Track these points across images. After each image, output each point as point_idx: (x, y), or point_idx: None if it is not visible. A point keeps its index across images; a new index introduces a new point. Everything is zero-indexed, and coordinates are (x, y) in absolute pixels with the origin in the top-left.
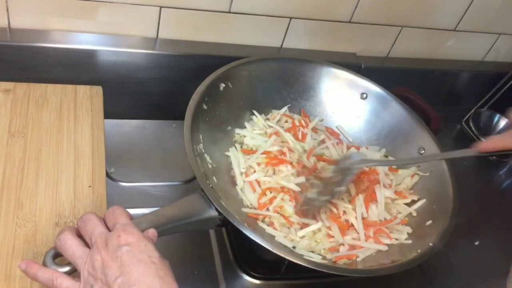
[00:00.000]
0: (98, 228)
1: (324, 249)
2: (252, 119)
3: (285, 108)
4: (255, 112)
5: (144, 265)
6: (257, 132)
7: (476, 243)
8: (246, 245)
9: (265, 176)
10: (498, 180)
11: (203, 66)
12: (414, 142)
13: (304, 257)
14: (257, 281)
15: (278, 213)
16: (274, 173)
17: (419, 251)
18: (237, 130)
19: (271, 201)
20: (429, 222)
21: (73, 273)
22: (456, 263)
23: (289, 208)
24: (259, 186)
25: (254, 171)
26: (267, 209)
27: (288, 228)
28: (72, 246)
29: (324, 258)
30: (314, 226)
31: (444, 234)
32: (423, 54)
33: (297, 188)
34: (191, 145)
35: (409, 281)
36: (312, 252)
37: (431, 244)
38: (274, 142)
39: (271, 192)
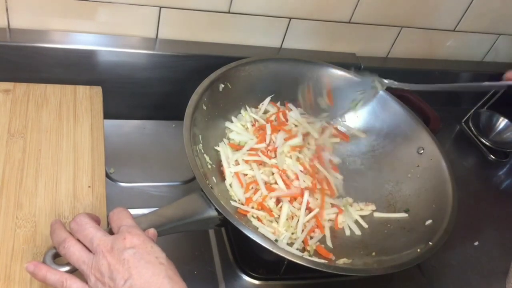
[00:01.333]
0: (97, 232)
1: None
2: (240, 113)
3: (268, 98)
4: (246, 106)
5: (153, 266)
6: (242, 123)
7: (476, 243)
8: (245, 245)
9: (250, 170)
10: (498, 180)
11: (203, 66)
12: (414, 142)
13: (304, 256)
14: (256, 281)
15: (261, 207)
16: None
17: (418, 250)
18: (226, 123)
19: (255, 193)
20: (429, 221)
21: (74, 272)
22: (456, 263)
23: (270, 202)
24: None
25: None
26: (252, 206)
27: (271, 222)
28: (75, 252)
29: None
30: (285, 209)
31: (443, 233)
32: (423, 54)
33: (267, 179)
34: (190, 145)
35: (408, 281)
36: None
37: (430, 243)
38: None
39: (252, 188)
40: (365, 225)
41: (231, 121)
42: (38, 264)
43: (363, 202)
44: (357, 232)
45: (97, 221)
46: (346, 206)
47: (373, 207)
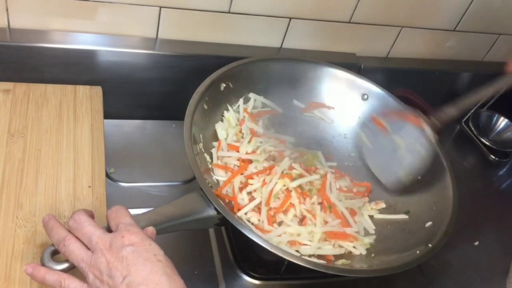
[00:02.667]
0: (96, 230)
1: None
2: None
3: (241, 99)
4: (228, 106)
5: (151, 263)
6: (232, 128)
7: (476, 243)
8: (245, 245)
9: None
10: (498, 180)
11: (203, 66)
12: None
13: (303, 257)
14: (256, 281)
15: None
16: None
17: (418, 252)
18: (216, 126)
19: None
20: (429, 223)
21: (72, 269)
22: (456, 263)
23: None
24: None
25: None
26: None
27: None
28: (74, 250)
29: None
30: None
31: (443, 236)
32: (423, 54)
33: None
34: (190, 144)
35: (409, 282)
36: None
37: (430, 245)
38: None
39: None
40: (373, 226)
41: None
42: (36, 266)
43: (373, 201)
44: (371, 231)
45: (90, 215)
46: (359, 208)
47: (382, 204)
